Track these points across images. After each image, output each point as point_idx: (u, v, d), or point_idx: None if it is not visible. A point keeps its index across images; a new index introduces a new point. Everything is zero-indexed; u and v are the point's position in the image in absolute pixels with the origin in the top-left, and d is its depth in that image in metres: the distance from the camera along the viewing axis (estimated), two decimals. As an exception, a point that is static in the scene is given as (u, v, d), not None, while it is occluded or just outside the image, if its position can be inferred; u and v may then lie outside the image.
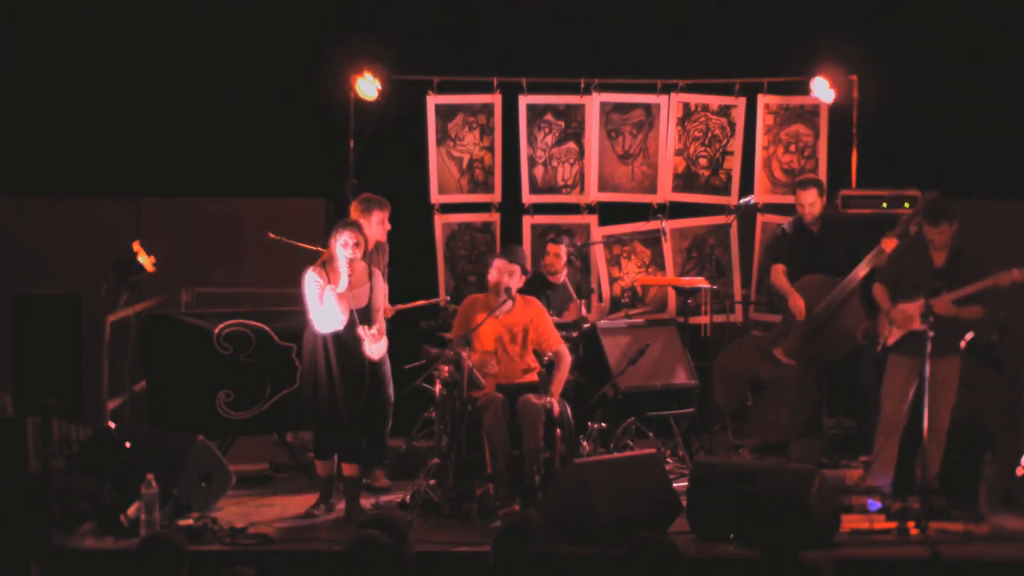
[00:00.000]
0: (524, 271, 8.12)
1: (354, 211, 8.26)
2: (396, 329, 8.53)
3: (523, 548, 4.91)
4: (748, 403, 8.74)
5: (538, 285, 8.87)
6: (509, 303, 7.93)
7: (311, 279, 7.45)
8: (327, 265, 7.52)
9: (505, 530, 5.24)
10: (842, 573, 6.03)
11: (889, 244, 8.35)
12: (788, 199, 9.50)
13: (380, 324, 7.62)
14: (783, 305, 8.83)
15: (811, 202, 8.74)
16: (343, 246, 7.45)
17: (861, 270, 8.46)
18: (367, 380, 7.52)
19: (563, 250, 8.99)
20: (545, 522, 5.42)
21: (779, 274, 8.79)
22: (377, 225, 8.29)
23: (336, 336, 7.46)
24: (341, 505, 7.71)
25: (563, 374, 7.97)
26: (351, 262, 7.45)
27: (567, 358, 8.04)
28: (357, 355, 7.48)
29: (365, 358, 7.49)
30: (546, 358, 8.07)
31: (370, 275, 7.60)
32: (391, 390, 7.95)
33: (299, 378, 7.70)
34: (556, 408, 7.76)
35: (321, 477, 7.71)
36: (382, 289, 7.69)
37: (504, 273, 7.94)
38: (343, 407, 7.47)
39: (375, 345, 7.53)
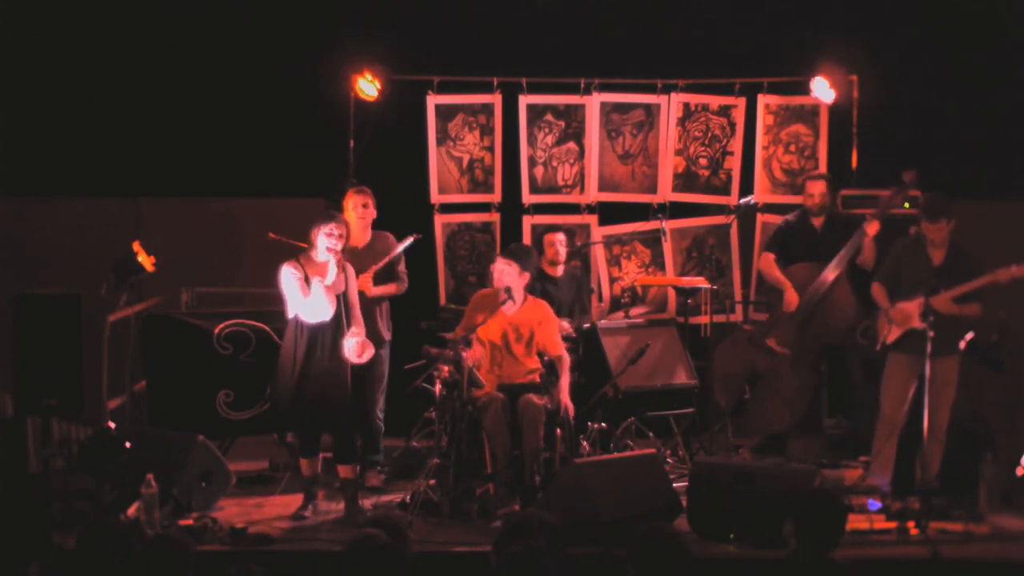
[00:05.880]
0: (526, 269, 8.10)
1: (345, 200, 8.37)
2: (396, 329, 8.57)
3: (522, 547, 4.91)
4: (746, 396, 8.75)
5: (538, 280, 8.83)
6: (510, 303, 7.93)
7: (288, 273, 7.45)
8: (302, 258, 7.52)
9: (506, 529, 5.24)
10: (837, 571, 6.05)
11: (871, 227, 8.40)
12: (788, 199, 9.51)
13: (359, 321, 7.63)
14: (773, 294, 8.85)
15: (821, 192, 8.74)
16: (328, 235, 7.46)
17: (846, 253, 8.48)
18: (344, 375, 7.50)
19: (563, 236, 9.00)
20: (552, 521, 5.42)
21: (769, 263, 8.82)
22: (352, 211, 8.31)
23: (319, 328, 7.45)
24: (337, 506, 7.72)
25: (567, 378, 7.96)
26: (335, 251, 7.46)
27: (568, 364, 8.04)
28: (337, 349, 7.47)
29: (342, 355, 7.48)
30: (547, 358, 8.08)
31: (343, 266, 7.61)
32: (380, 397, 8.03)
33: (276, 376, 7.66)
34: (571, 410, 7.79)
35: (305, 477, 7.69)
36: (355, 281, 7.70)
37: (505, 273, 7.93)
38: (312, 399, 7.45)
39: (356, 343, 7.52)
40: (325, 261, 7.49)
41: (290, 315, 7.52)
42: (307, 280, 7.44)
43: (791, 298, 8.61)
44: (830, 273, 8.51)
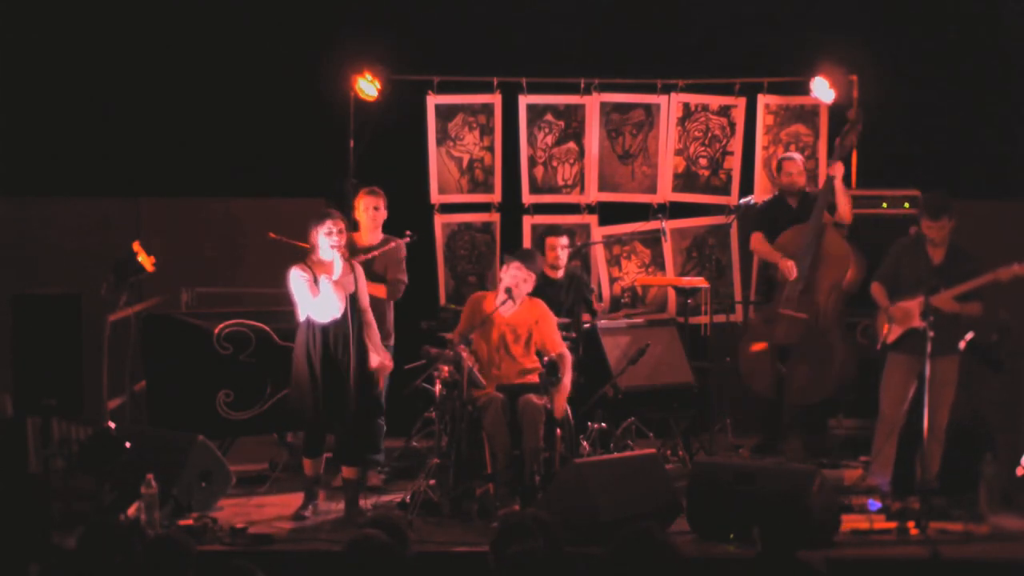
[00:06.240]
0: (537, 277, 8.14)
1: (357, 201, 8.41)
2: (396, 329, 8.57)
3: (520, 547, 4.91)
4: (783, 371, 8.71)
5: (539, 283, 8.83)
6: (510, 303, 7.93)
7: (296, 275, 7.49)
8: (309, 260, 7.54)
9: (503, 529, 5.24)
10: (837, 571, 6.05)
11: (835, 169, 8.71)
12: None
13: (370, 316, 7.64)
14: (771, 272, 8.88)
15: (799, 171, 8.99)
16: (327, 234, 7.49)
17: (821, 204, 8.68)
18: (354, 373, 7.52)
19: (564, 240, 9.00)
20: (551, 520, 5.42)
21: (760, 240, 8.97)
22: (363, 212, 8.31)
23: (327, 328, 7.47)
24: (338, 506, 7.72)
25: (568, 380, 7.95)
26: (338, 248, 7.47)
27: (570, 362, 8.03)
28: (345, 347, 7.48)
29: (351, 351, 7.50)
30: (546, 359, 8.07)
31: (352, 266, 7.63)
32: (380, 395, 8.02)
33: (292, 379, 7.71)
34: (568, 412, 7.78)
35: (308, 476, 7.71)
36: (364, 282, 7.71)
37: (520, 280, 7.93)
38: (334, 402, 7.47)
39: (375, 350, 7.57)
40: (330, 260, 7.51)
41: (301, 318, 7.54)
42: (316, 280, 7.45)
43: (787, 264, 8.67)
44: (815, 227, 8.68)
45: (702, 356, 9.26)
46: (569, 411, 7.93)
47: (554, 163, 9.83)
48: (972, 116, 9.65)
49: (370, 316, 7.69)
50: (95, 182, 10.02)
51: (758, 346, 8.85)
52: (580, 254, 9.56)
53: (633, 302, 9.54)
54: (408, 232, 8.51)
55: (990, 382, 8.13)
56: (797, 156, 9.16)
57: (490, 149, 9.80)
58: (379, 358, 7.64)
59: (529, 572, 4.82)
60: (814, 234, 8.68)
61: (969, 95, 9.65)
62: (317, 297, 7.44)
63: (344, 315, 7.49)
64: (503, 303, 7.90)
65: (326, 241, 7.49)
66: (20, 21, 9.97)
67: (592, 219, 9.80)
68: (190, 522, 7.21)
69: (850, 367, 8.67)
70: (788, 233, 8.82)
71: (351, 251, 7.84)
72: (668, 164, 9.76)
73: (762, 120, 9.70)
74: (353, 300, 7.56)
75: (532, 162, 9.80)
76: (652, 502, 7.24)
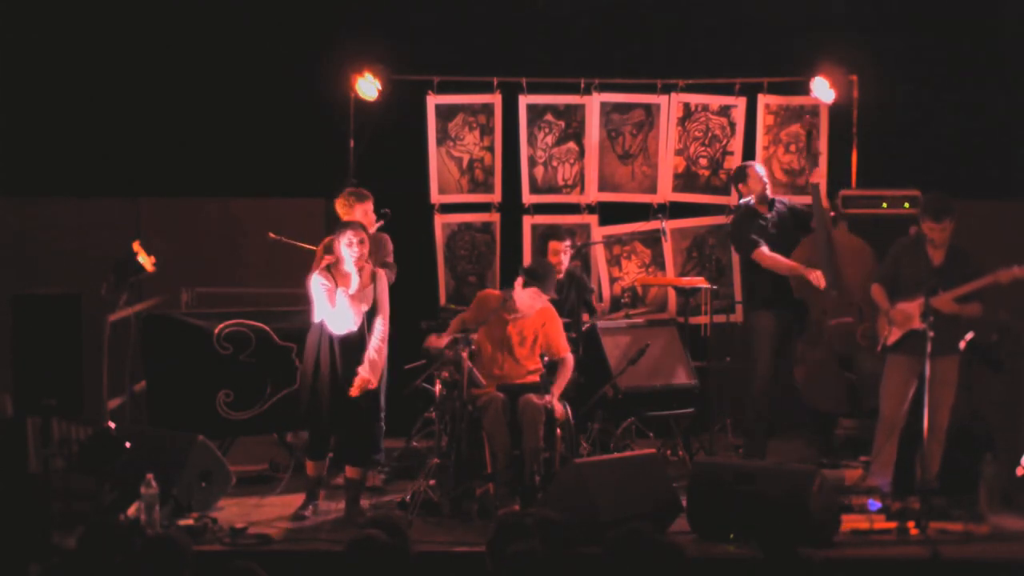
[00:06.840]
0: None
1: (339, 207, 8.23)
2: (396, 329, 8.57)
3: (517, 547, 4.92)
4: (853, 379, 8.65)
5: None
6: (511, 303, 7.92)
7: (318, 282, 7.47)
8: (332, 268, 7.53)
9: (499, 529, 5.24)
10: (837, 571, 6.05)
11: (817, 176, 8.79)
12: (788, 199, 9.51)
13: (385, 326, 7.62)
14: (800, 285, 8.73)
15: (766, 176, 8.83)
16: (348, 246, 7.45)
17: (818, 212, 8.62)
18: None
19: (567, 243, 8.98)
20: (558, 520, 5.43)
21: (763, 255, 8.72)
22: (361, 217, 8.32)
23: (342, 337, 7.46)
24: (338, 505, 7.72)
25: (565, 379, 7.96)
26: (358, 260, 7.45)
27: (571, 365, 8.04)
28: (358, 358, 7.48)
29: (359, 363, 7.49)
30: (547, 358, 8.07)
31: (373, 276, 7.60)
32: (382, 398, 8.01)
33: (298, 378, 7.73)
34: (559, 409, 7.77)
35: (310, 478, 7.71)
36: (385, 290, 7.69)
37: (535, 299, 7.90)
38: (336, 406, 7.47)
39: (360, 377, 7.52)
40: (349, 272, 7.49)
41: (315, 319, 7.53)
42: (335, 290, 7.43)
43: (816, 274, 8.57)
44: (821, 231, 8.60)
45: (702, 356, 9.26)
46: (569, 411, 7.93)
47: (554, 163, 9.83)
48: (972, 116, 9.65)
49: (384, 331, 7.63)
50: (95, 182, 10.02)
51: (823, 372, 8.76)
52: (580, 254, 9.55)
53: (633, 302, 9.53)
54: (382, 210, 8.45)
55: (990, 382, 8.13)
56: (757, 163, 9.09)
57: (490, 149, 9.80)
58: (365, 371, 7.50)
59: (526, 572, 4.82)
60: (824, 240, 8.60)
61: (969, 95, 9.65)
62: (334, 309, 7.43)
63: (360, 329, 7.47)
64: (504, 302, 7.89)
65: (346, 252, 7.46)
66: (20, 21, 9.97)
67: (592, 219, 9.80)
68: (190, 522, 7.21)
69: None
70: (803, 244, 8.71)
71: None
72: (668, 164, 9.76)
73: (762, 120, 9.70)
74: (369, 315, 7.52)
75: (532, 162, 9.80)
76: (652, 502, 7.25)
